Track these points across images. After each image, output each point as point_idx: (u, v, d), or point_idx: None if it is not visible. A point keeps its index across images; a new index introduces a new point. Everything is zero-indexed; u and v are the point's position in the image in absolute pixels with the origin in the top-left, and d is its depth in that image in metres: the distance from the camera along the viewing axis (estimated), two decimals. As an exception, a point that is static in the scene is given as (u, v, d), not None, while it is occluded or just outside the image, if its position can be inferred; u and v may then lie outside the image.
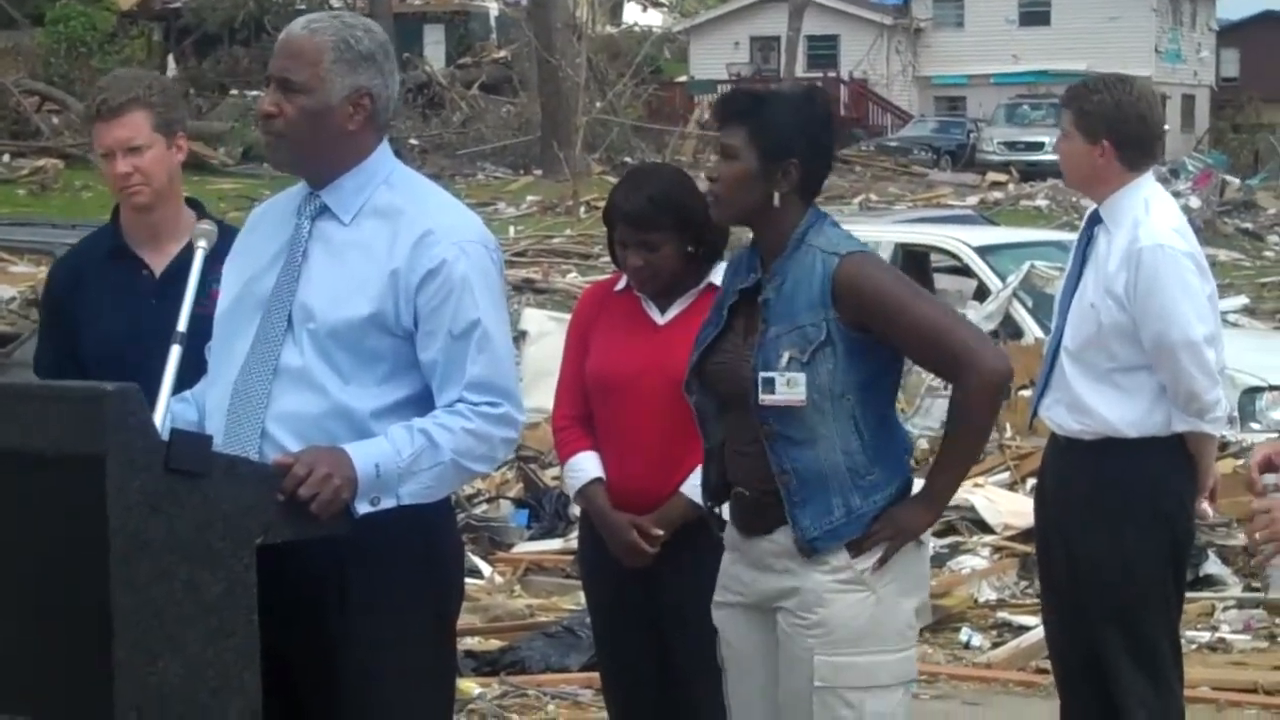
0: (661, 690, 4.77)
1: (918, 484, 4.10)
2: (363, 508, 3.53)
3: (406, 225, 3.66)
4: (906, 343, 4.03)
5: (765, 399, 3.95)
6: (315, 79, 3.65)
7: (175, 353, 3.70)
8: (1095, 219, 5.11)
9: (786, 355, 3.94)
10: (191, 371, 3.82)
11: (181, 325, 3.75)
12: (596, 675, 7.39)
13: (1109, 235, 5.04)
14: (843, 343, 3.95)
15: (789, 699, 4.04)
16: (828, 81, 46.24)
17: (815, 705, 3.98)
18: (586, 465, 4.75)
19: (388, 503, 3.55)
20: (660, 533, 4.63)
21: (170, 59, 44.94)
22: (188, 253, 3.98)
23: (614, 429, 4.71)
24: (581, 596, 8.78)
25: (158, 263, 4.41)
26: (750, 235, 4.16)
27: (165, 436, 3.31)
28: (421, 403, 3.65)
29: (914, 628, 4.07)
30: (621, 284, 4.81)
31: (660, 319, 4.72)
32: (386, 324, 3.62)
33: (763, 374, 3.95)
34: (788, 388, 3.93)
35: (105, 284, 4.43)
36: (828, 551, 3.97)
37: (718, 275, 4.70)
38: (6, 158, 34.34)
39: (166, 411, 3.62)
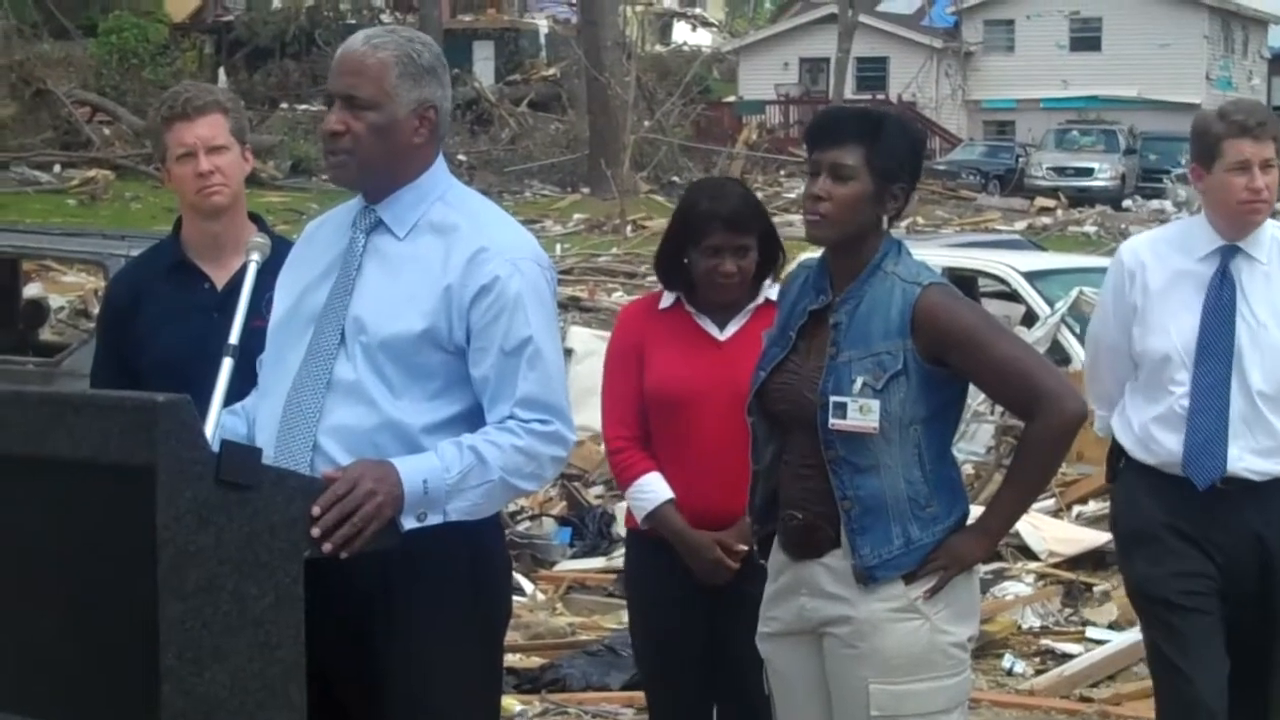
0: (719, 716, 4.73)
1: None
2: (409, 523, 3.52)
3: (461, 241, 3.65)
4: (984, 378, 4.01)
5: (835, 423, 3.92)
6: (382, 94, 3.65)
7: (227, 365, 3.71)
8: (1230, 252, 4.88)
9: (860, 381, 3.92)
10: (247, 384, 3.83)
11: (233, 338, 3.75)
12: (638, 695, 7.39)
13: (1261, 266, 4.86)
14: (917, 374, 3.92)
15: None
16: (876, 104, 46.22)
17: None
18: (656, 486, 4.70)
19: (435, 519, 3.54)
20: (744, 548, 4.56)
21: (221, 72, 45.18)
22: None
23: (681, 448, 4.66)
24: (624, 615, 8.79)
25: (220, 276, 4.41)
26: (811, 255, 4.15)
27: (215, 448, 3.32)
28: (473, 419, 3.64)
29: (967, 651, 4.05)
30: (667, 301, 4.79)
31: (720, 335, 4.70)
32: (439, 340, 3.62)
33: (834, 398, 3.93)
34: (860, 414, 3.90)
35: (167, 298, 4.43)
36: (883, 581, 3.95)
37: (771, 291, 4.68)
38: (57, 168, 34.57)
39: (217, 423, 3.63)
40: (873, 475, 3.94)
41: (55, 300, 17.08)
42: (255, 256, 3.96)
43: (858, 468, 3.94)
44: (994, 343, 3.98)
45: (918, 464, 3.95)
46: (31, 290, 16.11)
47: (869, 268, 3.99)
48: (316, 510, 3.38)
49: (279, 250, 4.06)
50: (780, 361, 4.07)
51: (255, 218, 4.54)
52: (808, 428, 3.98)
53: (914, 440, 3.95)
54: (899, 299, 3.94)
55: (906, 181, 4.03)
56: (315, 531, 3.37)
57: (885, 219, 4.01)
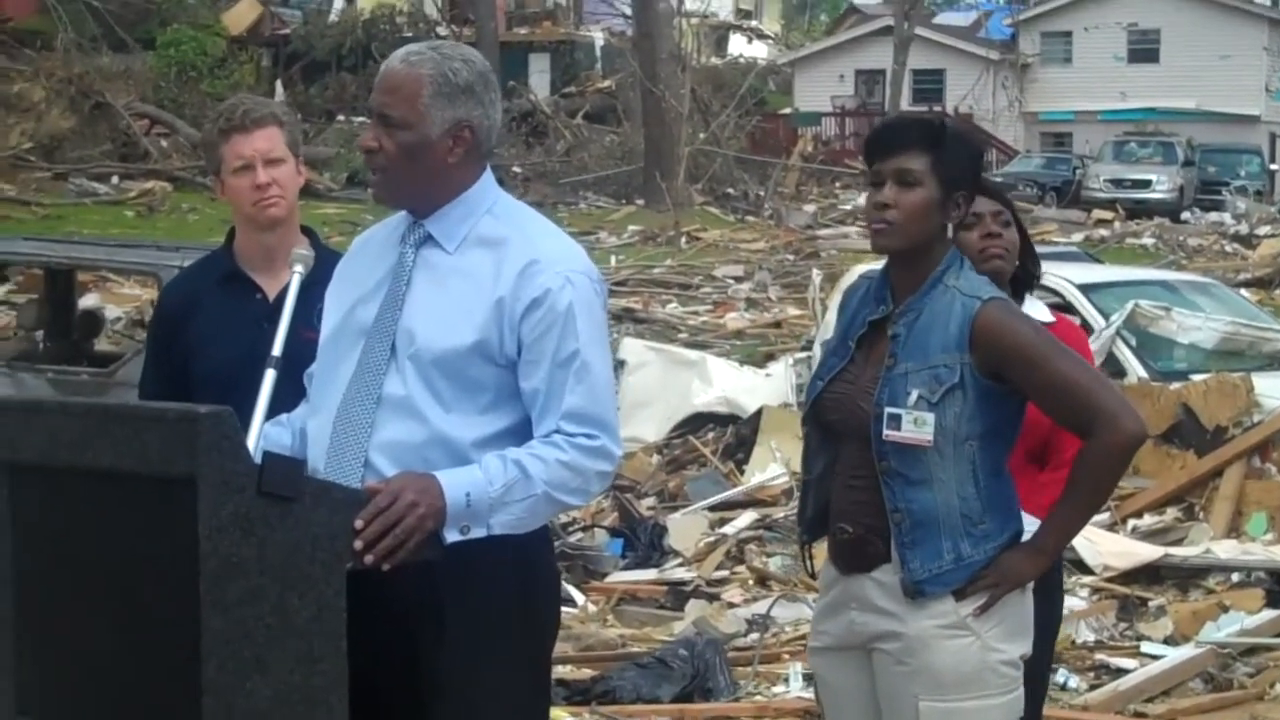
0: None
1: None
2: (452, 535, 3.51)
3: (511, 254, 3.64)
4: (1042, 396, 3.96)
5: (890, 435, 3.89)
6: (414, 114, 3.64)
7: (270, 377, 3.71)
8: None
9: (915, 393, 3.88)
10: (295, 396, 3.82)
11: (276, 349, 3.75)
12: (689, 707, 7.38)
13: None
14: (974, 389, 3.89)
15: None
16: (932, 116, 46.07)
17: None
18: None
19: (478, 532, 3.52)
20: None
21: (278, 84, 45.36)
22: None
23: None
24: (676, 627, 8.78)
25: (272, 287, 4.40)
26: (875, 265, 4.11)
27: (258, 460, 3.31)
28: (523, 433, 3.62)
29: (1019, 669, 3.99)
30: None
31: None
32: (490, 353, 3.60)
33: (889, 409, 3.89)
34: (915, 426, 3.87)
35: (218, 308, 4.43)
36: (933, 596, 3.91)
37: (1037, 311, 4.63)
38: (115, 179, 34.74)
39: (260, 435, 3.62)
40: (925, 489, 3.90)
41: (111, 311, 17.17)
42: (299, 268, 3.97)
43: (910, 481, 3.90)
44: (1052, 360, 3.93)
45: (972, 480, 3.91)
46: (87, 301, 16.20)
47: (930, 280, 3.96)
48: (359, 523, 3.38)
49: (327, 262, 4.06)
50: (839, 372, 4.05)
51: (308, 230, 4.55)
52: (861, 438, 3.94)
53: (969, 456, 3.91)
54: (959, 313, 3.91)
55: (967, 190, 4.00)
56: (358, 544, 3.37)
57: (950, 227, 3.99)
